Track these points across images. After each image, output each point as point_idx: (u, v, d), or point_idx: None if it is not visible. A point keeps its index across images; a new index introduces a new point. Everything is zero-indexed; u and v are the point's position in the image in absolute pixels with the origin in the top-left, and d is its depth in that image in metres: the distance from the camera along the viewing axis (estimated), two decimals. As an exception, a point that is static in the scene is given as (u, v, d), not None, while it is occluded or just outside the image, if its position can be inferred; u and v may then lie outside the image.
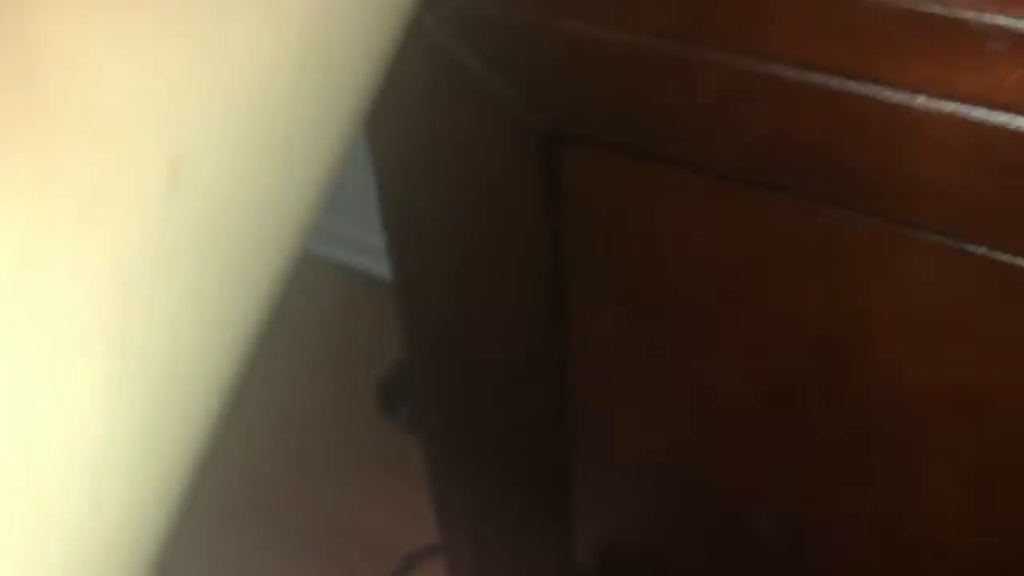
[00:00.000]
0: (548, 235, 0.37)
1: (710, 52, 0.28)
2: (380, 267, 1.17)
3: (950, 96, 0.25)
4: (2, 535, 0.13)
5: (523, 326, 0.41)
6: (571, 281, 0.38)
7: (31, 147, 0.13)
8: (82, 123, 0.13)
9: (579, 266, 0.37)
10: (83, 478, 0.14)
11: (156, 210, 0.14)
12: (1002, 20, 0.24)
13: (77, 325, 0.13)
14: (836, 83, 0.27)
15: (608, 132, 0.33)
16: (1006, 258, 0.28)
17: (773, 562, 0.42)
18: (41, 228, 0.13)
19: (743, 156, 0.30)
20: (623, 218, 0.35)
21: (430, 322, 0.45)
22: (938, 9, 0.24)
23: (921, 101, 0.26)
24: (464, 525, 0.53)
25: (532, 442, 0.46)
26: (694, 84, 0.29)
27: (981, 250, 0.28)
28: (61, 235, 0.13)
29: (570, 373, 0.41)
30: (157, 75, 0.14)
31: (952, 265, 0.29)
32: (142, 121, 0.14)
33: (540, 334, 0.40)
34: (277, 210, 0.16)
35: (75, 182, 0.13)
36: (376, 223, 0.42)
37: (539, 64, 0.32)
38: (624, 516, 0.47)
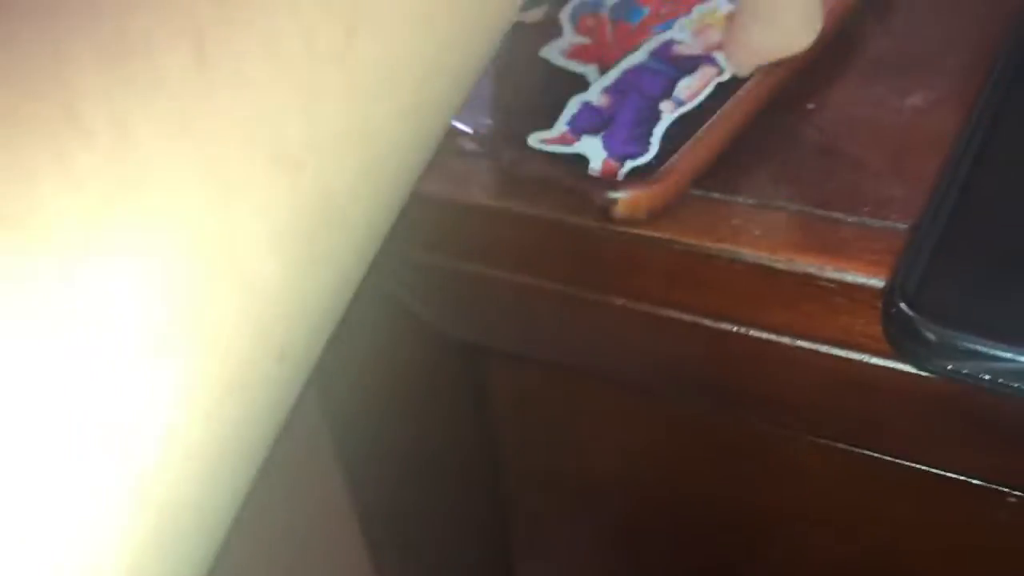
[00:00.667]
0: (478, 431, 0.39)
1: (597, 295, 0.30)
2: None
3: (806, 338, 0.28)
4: None
5: (465, 505, 0.43)
6: (505, 468, 0.40)
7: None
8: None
9: (511, 457, 0.39)
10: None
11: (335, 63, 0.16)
12: (841, 276, 0.26)
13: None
14: (707, 322, 0.29)
15: (518, 349, 0.35)
16: (883, 459, 0.30)
17: None
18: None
19: (639, 374, 0.32)
20: (543, 417, 0.37)
21: (376, 496, 0.47)
22: (784, 266, 0.27)
23: (784, 340, 0.28)
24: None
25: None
26: (587, 318, 0.31)
27: (861, 452, 0.31)
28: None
29: (516, 549, 0.43)
30: None
31: (836, 462, 0.31)
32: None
33: (482, 513, 0.42)
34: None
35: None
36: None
37: (451, 297, 0.34)
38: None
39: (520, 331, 0.34)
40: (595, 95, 0.31)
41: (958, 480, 0.29)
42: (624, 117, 0.30)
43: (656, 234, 0.28)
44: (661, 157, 0.28)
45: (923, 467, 0.30)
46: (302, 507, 1.15)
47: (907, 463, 0.30)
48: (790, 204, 0.28)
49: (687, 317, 0.29)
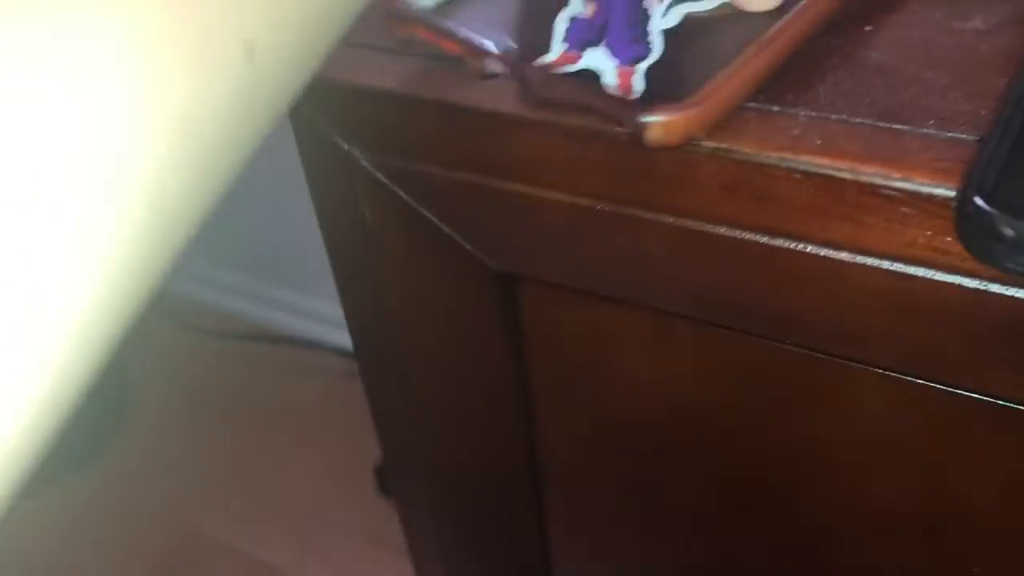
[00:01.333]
0: (511, 363, 0.38)
1: (645, 212, 0.29)
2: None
3: (867, 253, 0.27)
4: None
5: (494, 441, 0.42)
6: (537, 402, 0.39)
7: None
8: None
9: (542, 390, 0.38)
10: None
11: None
12: (908, 185, 0.25)
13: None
14: (762, 239, 0.28)
15: (558, 276, 0.34)
16: (939, 388, 0.29)
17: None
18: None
19: (685, 299, 0.31)
20: (580, 349, 0.36)
21: (403, 432, 0.46)
22: (847, 175, 0.26)
23: (843, 256, 0.27)
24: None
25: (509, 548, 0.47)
26: (633, 239, 0.30)
27: (915, 380, 0.30)
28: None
29: (543, 485, 0.42)
30: None
31: (891, 393, 0.30)
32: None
33: (511, 449, 0.41)
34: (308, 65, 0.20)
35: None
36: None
37: (489, 219, 0.33)
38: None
39: (561, 255, 0.33)
40: (579, 6, 0.30)
41: (1015, 409, 0.28)
42: (616, 23, 0.29)
43: (711, 144, 0.27)
44: (677, 68, 0.28)
45: (979, 396, 0.29)
46: (327, 446, 1.15)
47: (962, 391, 0.29)
48: (852, 117, 0.27)
49: (740, 234, 0.28)
